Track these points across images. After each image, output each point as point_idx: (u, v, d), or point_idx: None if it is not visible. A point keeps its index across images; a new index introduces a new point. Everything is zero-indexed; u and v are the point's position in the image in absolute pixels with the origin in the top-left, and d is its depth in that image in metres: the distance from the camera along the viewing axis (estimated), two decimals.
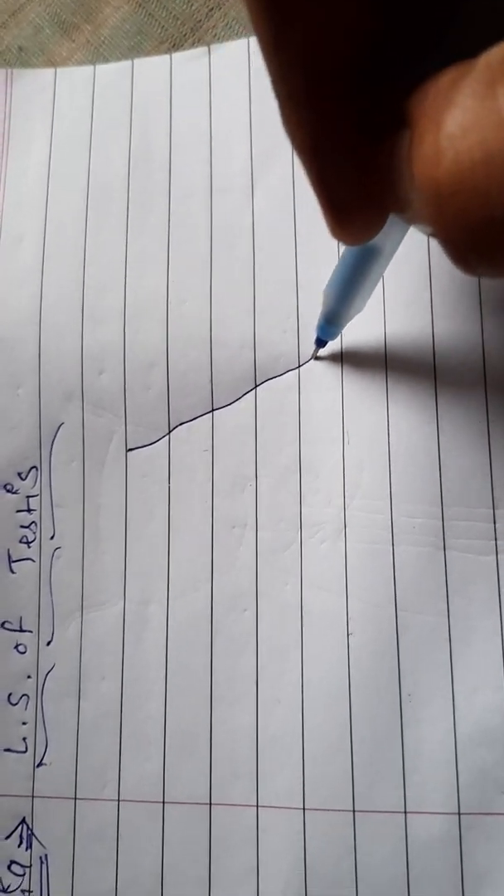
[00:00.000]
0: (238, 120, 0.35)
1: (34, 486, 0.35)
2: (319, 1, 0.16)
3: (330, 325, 0.31)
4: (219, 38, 0.37)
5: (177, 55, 0.36)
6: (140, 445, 0.34)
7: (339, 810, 0.30)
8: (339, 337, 0.33)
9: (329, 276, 0.29)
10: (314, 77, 0.17)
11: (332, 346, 0.33)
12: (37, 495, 0.35)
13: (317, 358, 0.33)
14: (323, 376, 0.33)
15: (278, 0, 0.16)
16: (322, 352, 0.33)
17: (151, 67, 0.37)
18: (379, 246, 0.26)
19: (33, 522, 0.35)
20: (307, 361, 0.33)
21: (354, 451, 0.32)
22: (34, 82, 0.38)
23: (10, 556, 0.34)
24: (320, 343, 0.33)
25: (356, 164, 0.18)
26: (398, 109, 0.17)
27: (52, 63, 0.39)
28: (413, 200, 0.17)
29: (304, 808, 0.31)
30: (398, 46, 0.17)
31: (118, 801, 0.32)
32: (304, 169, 0.19)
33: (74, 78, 0.38)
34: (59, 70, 0.38)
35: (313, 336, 0.33)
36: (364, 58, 0.17)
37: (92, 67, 0.37)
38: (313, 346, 0.33)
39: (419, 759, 0.30)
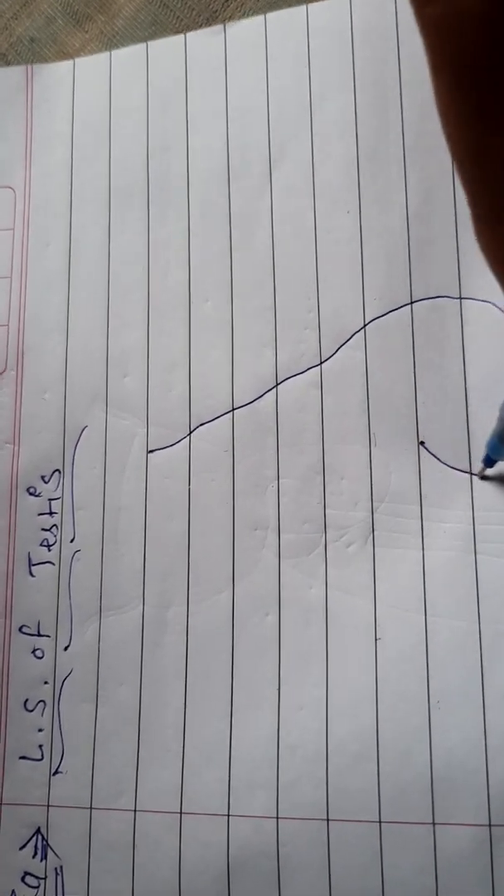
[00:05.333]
0: (255, 101, 0.35)
1: (56, 489, 0.34)
2: None
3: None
4: None
5: (191, 34, 0.36)
6: (161, 447, 0.33)
7: (364, 821, 0.29)
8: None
9: None
10: None
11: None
12: (59, 498, 0.34)
13: (483, 478, 0.30)
14: (347, 374, 0.32)
15: (486, 107, 0.14)
16: (490, 471, 0.30)
17: (166, 48, 0.36)
18: None
19: (54, 525, 0.34)
20: (477, 474, 0.30)
21: (382, 453, 0.31)
22: (53, 76, 0.37)
23: (30, 560, 0.34)
24: (489, 462, 0.30)
25: None
26: None
27: (64, 55, 0.39)
28: None
29: (327, 819, 0.30)
30: None
31: (134, 811, 0.31)
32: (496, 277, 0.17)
33: (91, 67, 0.37)
34: (77, 60, 0.37)
35: (336, 330, 0.32)
36: None
37: (108, 54, 0.37)
38: (480, 465, 0.30)
39: (448, 769, 0.29)
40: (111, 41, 0.38)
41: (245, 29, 0.35)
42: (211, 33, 0.36)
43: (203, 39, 0.36)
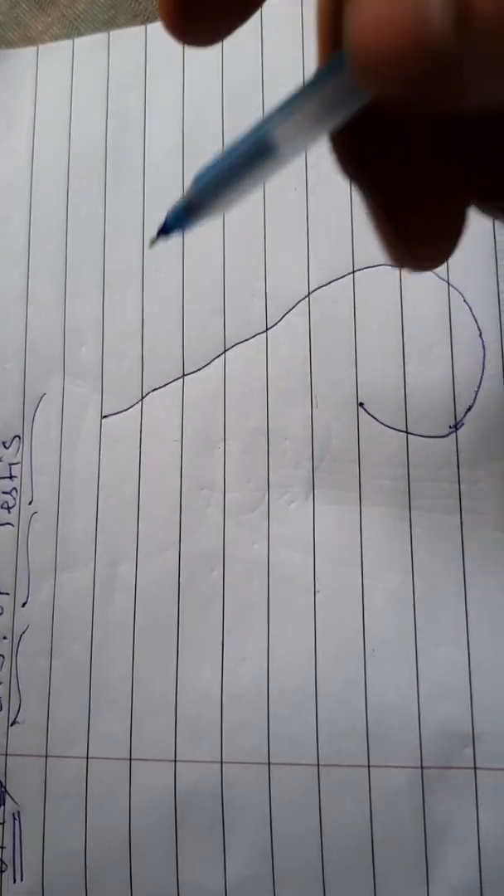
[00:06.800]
0: (211, 89, 0.36)
1: (17, 454, 0.35)
2: None
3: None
4: None
5: (152, 26, 0.37)
6: (114, 412, 0.35)
7: (303, 765, 0.31)
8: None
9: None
10: None
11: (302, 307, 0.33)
12: (18, 463, 0.35)
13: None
14: (291, 340, 0.33)
15: None
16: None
17: (127, 38, 0.37)
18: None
19: (14, 489, 0.35)
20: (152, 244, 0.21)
21: (323, 415, 0.33)
22: (17, 62, 0.39)
23: None
24: (166, 231, 0.19)
25: None
26: None
27: (27, 37, 0.40)
28: None
29: (268, 763, 0.31)
30: None
31: (87, 758, 0.33)
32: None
33: (54, 54, 0.38)
34: (40, 47, 0.38)
35: (282, 299, 0.33)
36: None
37: (70, 41, 0.38)
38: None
39: (383, 714, 0.30)
40: (73, 24, 0.39)
41: None
42: None
43: (163, 31, 0.37)
